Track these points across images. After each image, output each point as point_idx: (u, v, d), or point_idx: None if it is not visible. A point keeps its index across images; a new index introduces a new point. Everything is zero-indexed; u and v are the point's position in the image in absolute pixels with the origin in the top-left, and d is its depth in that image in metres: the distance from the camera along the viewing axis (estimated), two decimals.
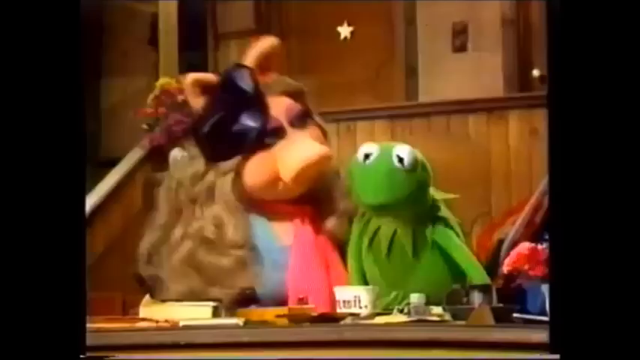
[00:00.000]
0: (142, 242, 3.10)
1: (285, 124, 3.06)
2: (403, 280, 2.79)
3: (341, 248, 3.01)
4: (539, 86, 5.36)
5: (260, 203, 3.05)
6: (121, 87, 6.61)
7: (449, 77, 5.72)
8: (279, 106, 3.08)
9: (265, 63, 3.13)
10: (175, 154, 5.92)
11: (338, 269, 2.96)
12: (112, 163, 5.57)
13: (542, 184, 2.95)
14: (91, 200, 4.83)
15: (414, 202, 2.75)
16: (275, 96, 3.11)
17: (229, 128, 3.00)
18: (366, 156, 2.74)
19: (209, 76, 3.15)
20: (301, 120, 3.10)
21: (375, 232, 2.84)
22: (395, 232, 2.79)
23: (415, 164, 2.73)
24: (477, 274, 2.71)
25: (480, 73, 5.62)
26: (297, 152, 2.99)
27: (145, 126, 5.61)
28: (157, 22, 5.95)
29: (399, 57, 5.96)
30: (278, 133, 3.04)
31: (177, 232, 3.04)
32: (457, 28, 5.82)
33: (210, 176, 3.05)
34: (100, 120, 6.64)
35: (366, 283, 2.86)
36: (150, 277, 3.02)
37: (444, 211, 2.85)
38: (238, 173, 3.02)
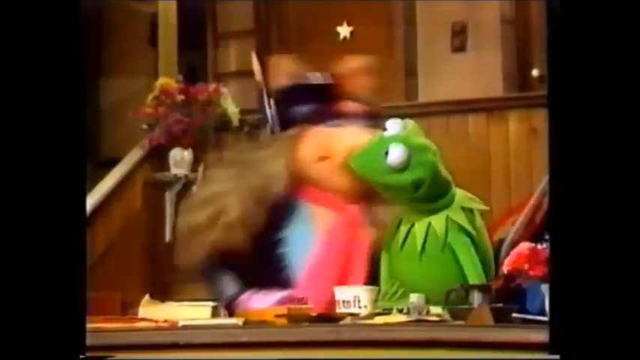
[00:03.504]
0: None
1: (352, 116, 3.10)
2: (407, 274, 2.81)
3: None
4: (539, 86, 5.36)
5: (308, 190, 3.04)
6: (120, 87, 6.62)
7: (448, 77, 5.73)
8: (350, 105, 3.13)
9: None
10: (175, 153, 5.95)
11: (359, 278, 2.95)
12: (112, 163, 5.58)
13: (542, 184, 2.96)
14: (91, 200, 4.83)
15: (383, 191, 2.82)
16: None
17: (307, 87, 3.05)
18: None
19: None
20: (363, 120, 3.14)
21: (398, 227, 2.88)
22: (412, 226, 2.83)
23: (396, 166, 2.77)
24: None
25: (480, 72, 5.63)
26: (354, 136, 3.00)
27: (144, 126, 5.62)
28: (156, 22, 5.96)
29: (398, 57, 5.98)
30: (346, 116, 3.06)
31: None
32: (456, 28, 5.82)
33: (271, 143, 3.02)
34: (99, 120, 6.65)
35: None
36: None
37: (471, 222, 2.82)
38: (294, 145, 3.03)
